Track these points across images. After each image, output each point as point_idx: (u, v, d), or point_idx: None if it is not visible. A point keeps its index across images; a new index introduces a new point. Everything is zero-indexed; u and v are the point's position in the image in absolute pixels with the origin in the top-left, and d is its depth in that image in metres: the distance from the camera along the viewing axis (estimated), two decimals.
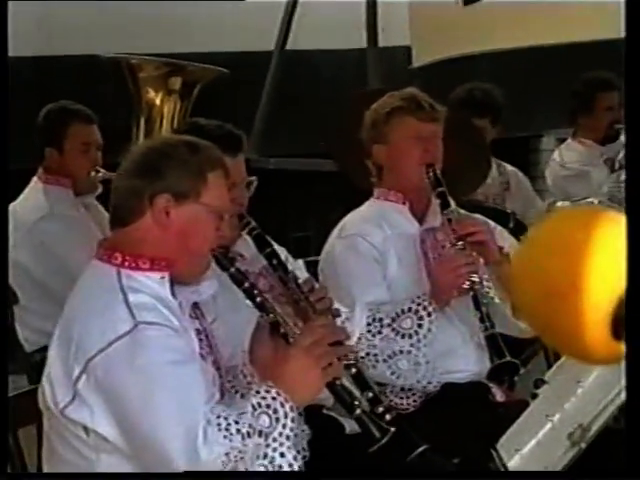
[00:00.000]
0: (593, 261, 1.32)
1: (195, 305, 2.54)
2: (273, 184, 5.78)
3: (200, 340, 2.51)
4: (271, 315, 2.56)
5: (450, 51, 5.50)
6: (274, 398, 2.33)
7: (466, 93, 4.92)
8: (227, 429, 2.26)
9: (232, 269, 2.61)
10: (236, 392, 2.55)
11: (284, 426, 2.32)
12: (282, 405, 2.32)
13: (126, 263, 2.39)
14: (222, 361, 2.60)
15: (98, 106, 4.46)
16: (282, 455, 2.34)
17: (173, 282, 2.44)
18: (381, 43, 5.68)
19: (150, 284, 2.39)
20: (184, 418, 2.25)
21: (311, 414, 2.97)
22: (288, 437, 2.34)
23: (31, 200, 4.36)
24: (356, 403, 2.54)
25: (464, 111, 4.51)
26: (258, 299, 2.58)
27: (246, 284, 2.60)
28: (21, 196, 4.39)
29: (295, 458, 2.40)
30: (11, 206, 4.36)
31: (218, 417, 2.27)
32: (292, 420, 2.34)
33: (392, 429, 2.58)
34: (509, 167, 5.32)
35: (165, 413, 2.26)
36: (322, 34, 6.27)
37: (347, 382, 2.62)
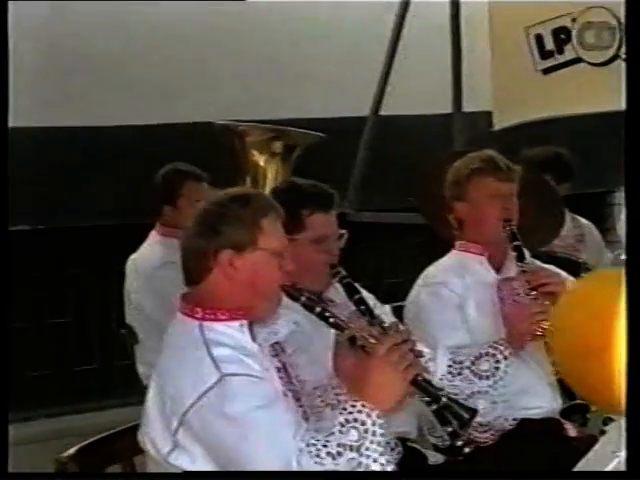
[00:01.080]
0: (623, 323, 1.30)
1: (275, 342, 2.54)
2: (368, 235, 5.83)
3: (281, 378, 2.51)
4: (347, 331, 2.54)
5: (528, 115, 5.48)
6: (360, 411, 2.30)
7: (534, 153, 4.93)
8: (317, 455, 2.25)
9: (302, 298, 2.59)
10: (326, 405, 2.54)
11: (374, 434, 2.30)
12: (368, 415, 2.30)
13: (206, 316, 2.40)
14: (304, 389, 2.58)
15: (210, 167, 4.54)
16: (375, 461, 2.31)
17: (252, 324, 2.45)
18: (465, 109, 5.69)
19: (231, 333, 2.39)
20: (279, 454, 2.25)
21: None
22: (379, 443, 2.30)
23: (150, 251, 4.45)
24: (440, 393, 2.50)
25: (534, 169, 4.50)
26: (332, 320, 2.56)
27: (317, 309, 2.58)
28: (141, 248, 4.49)
29: (388, 462, 2.37)
30: (132, 256, 4.48)
31: (308, 445, 2.26)
32: (380, 427, 2.31)
33: (479, 408, 2.59)
34: (583, 220, 5.27)
35: (261, 454, 2.25)
36: (412, 100, 6.29)
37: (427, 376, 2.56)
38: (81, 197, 5.58)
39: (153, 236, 4.51)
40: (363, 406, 2.31)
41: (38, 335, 5.79)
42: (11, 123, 5.37)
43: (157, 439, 2.35)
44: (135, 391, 4.62)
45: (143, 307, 4.30)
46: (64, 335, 5.88)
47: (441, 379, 3.17)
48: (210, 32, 5.84)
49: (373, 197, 6.21)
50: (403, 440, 3.04)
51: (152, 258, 4.37)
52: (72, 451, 2.59)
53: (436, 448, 3.27)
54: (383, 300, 3.30)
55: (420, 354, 2.92)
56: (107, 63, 5.58)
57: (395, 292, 4.17)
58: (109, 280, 4.56)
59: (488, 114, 5.65)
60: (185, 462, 2.32)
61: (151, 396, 2.39)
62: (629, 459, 1.48)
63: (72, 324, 5.90)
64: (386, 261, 6.80)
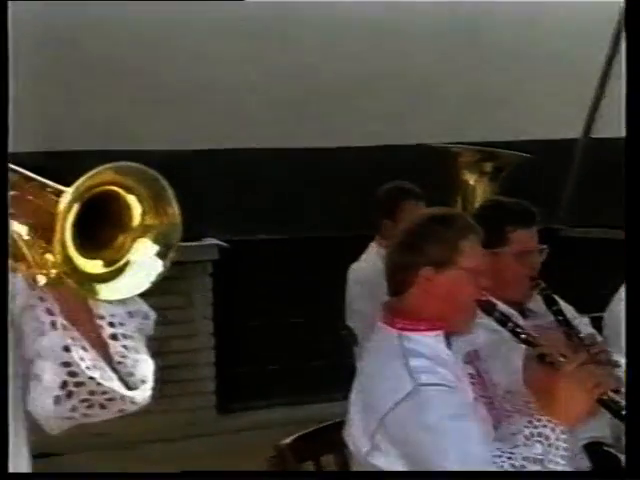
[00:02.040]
0: None
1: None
2: (579, 249, 5.67)
3: (473, 384, 2.46)
4: (537, 348, 2.47)
5: None
6: (545, 426, 2.23)
7: None
8: (502, 466, 2.20)
9: (496, 314, 2.51)
10: (515, 410, 2.48)
11: (557, 448, 2.22)
12: (553, 430, 2.22)
13: (405, 327, 2.38)
14: (496, 393, 2.53)
15: (425, 185, 4.55)
16: None
17: (449, 335, 2.42)
18: None
19: (428, 342, 2.36)
20: (466, 462, 2.21)
21: (592, 450, 2.86)
22: (562, 456, 2.23)
23: (369, 261, 4.48)
24: (624, 412, 2.39)
25: None
26: (523, 336, 2.49)
27: (510, 324, 2.50)
28: (362, 257, 4.55)
29: None
30: (354, 265, 4.54)
31: (494, 456, 2.21)
32: (564, 441, 2.23)
33: None
34: None
35: (451, 462, 2.21)
36: (620, 122, 6.06)
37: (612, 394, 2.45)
38: (312, 210, 5.73)
39: (373, 247, 4.55)
40: (549, 421, 2.24)
41: (276, 333, 5.95)
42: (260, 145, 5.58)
43: (357, 438, 2.35)
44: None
45: (362, 311, 4.32)
46: (298, 334, 6.02)
47: None
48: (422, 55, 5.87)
49: (584, 214, 6.04)
50: (599, 444, 2.93)
51: (371, 267, 4.39)
52: (289, 440, 2.63)
53: None
54: (593, 311, 3.20)
55: (616, 364, 2.81)
56: (340, 89, 5.71)
57: (604, 304, 4.06)
58: (336, 286, 4.63)
59: None
60: (382, 463, 2.30)
61: (353, 397, 2.40)
62: (629, 459, 1.38)
63: (305, 324, 6.03)
64: (596, 273, 6.59)
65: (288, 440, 2.63)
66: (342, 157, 5.78)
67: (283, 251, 5.83)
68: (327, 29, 5.63)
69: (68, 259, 1.18)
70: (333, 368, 5.86)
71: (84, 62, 5.26)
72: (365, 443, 2.33)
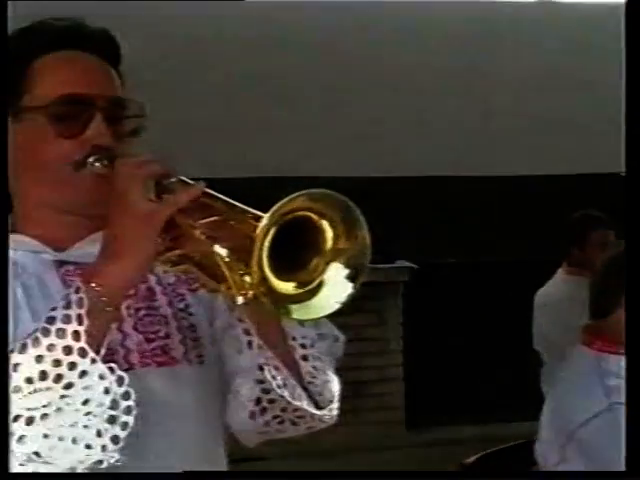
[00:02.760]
0: None
1: None
2: None
3: None
4: None
5: None
6: None
7: None
8: None
9: None
10: None
11: None
12: None
13: (604, 348, 2.34)
14: None
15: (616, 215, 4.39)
16: None
17: None
18: None
19: (624, 365, 2.29)
20: None
21: None
22: None
23: (557, 287, 4.38)
24: None
25: None
26: None
27: None
28: (548, 283, 4.44)
29: None
30: (541, 291, 4.42)
31: None
32: None
33: None
34: None
35: None
36: None
37: None
38: (500, 236, 5.65)
39: (560, 273, 4.44)
40: None
41: (464, 352, 5.87)
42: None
43: (546, 451, 2.34)
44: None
45: (549, 336, 4.20)
46: (486, 354, 5.91)
47: None
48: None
49: None
50: None
51: (558, 293, 4.30)
52: (472, 458, 2.58)
53: None
54: None
55: None
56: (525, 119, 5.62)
57: None
58: (523, 309, 4.51)
59: None
60: None
61: (545, 413, 2.39)
62: (629, 459, 1.25)
63: (492, 346, 5.91)
64: None
65: (472, 458, 2.58)
66: (531, 184, 5.70)
67: (471, 275, 5.78)
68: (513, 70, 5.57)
69: (264, 280, 1.17)
70: (520, 389, 5.71)
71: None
72: (554, 456, 2.31)
